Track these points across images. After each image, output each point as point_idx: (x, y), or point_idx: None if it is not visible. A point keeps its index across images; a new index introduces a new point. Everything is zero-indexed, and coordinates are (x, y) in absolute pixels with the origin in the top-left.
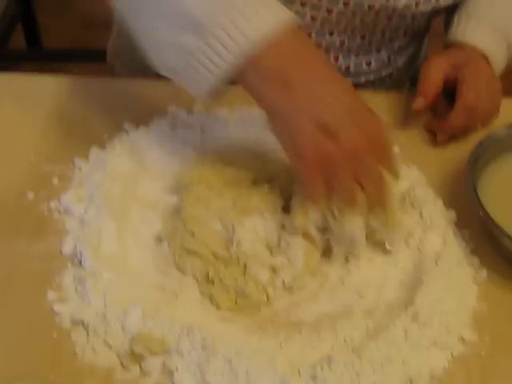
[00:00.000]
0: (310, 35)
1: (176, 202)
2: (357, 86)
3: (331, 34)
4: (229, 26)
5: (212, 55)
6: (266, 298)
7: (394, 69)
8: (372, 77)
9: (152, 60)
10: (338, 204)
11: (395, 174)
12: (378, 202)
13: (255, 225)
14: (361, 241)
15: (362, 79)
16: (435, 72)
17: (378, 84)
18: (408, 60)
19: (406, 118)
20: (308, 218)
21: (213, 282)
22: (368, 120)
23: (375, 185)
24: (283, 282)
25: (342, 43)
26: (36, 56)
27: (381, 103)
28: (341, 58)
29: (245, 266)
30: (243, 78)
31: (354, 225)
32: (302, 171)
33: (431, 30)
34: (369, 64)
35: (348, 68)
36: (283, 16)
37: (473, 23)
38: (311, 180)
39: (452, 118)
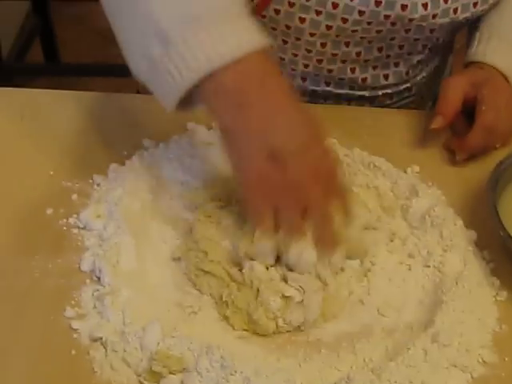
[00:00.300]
0: (325, 45)
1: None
2: (374, 98)
3: (347, 44)
4: (193, 43)
5: (173, 70)
6: (275, 327)
7: (413, 84)
8: (390, 90)
9: (130, 67)
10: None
11: (346, 212)
12: (325, 237)
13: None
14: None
15: (379, 92)
16: (454, 91)
17: (396, 97)
18: (429, 75)
19: (426, 136)
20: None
21: (227, 304)
22: (320, 153)
23: (323, 220)
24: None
25: (358, 54)
26: (53, 70)
27: (401, 121)
28: (358, 69)
29: (258, 290)
30: (202, 96)
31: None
32: (245, 197)
33: (455, 48)
34: (386, 77)
35: (365, 80)
36: (251, 39)
37: (494, 43)
38: (253, 208)
39: (471, 137)
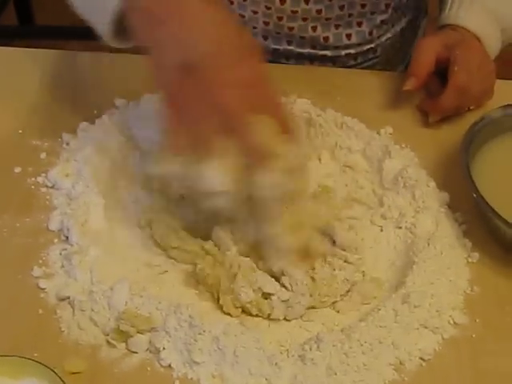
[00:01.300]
0: (284, 2)
1: None
2: (337, 58)
3: (307, 2)
4: None
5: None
6: (239, 313)
7: (377, 44)
8: (353, 50)
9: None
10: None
11: (282, 128)
12: (248, 148)
13: None
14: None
15: (342, 52)
16: (427, 52)
17: (360, 58)
18: (395, 37)
19: (400, 97)
20: None
21: (197, 277)
22: (239, 58)
23: (241, 130)
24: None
25: (318, 12)
26: (28, 33)
27: (374, 82)
28: (319, 28)
29: (234, 276)
30: (128, 21)
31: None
32: (163, 113)
33: (431, 16)
34: (349, 37)
35: (327, 39)
36: None
37: (466, 5)
38: (168, 120)
39: (443, 98)
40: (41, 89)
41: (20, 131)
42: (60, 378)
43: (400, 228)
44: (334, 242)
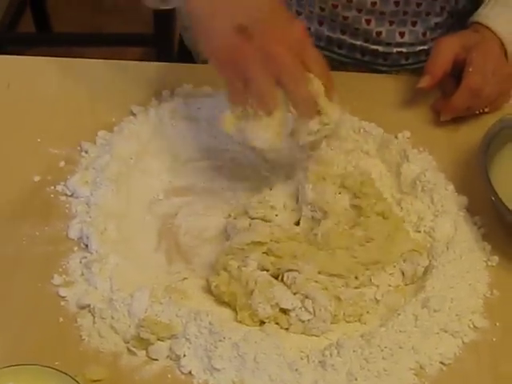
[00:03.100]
0: None
1: None
2: (388, 55)
3: None
4: None
5: None
6: (258, 325)
7: (430, 47)
8: (405, 49)
9: None
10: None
11: (326, 81)
12: (300, 100)
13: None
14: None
15: (394, 49)
16: (445, 52)
17: (411, 59)
18: None
19: (417, 102)
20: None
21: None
22: (288, 23)
23: (295, 83)
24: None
25: (373, 4)
26: (44, 40)
27: (390, 86)
28: (373, 21)
29: (251, 292)
30: None
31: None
32: (218, 72)
33: None
34: (402, 35)
35: (379, 34)
36: None
37: (498, 8)
38: (227, 80)
39: (455, 98)
40: (58, 97)
41: (38, 140)
42: None
43: (419, 232)
44: None
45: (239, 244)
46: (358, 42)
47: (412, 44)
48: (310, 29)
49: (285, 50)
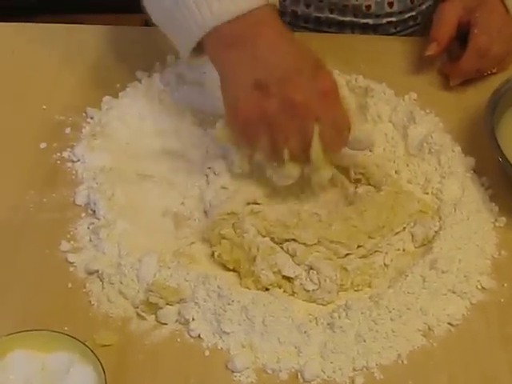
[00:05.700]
0: None
1: None
2: (378, 26)
3: None
4: (200, 2)
5: (183, 23)
6: (264, 289)
7: (418, 12)
8: (394, 18)
9: (151, 17)
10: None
11: (345, 124)
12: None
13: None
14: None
15: (384, 20)
16: (448, 16)
17: (400, 26)
18: (436, 4)
19: (423, 63)
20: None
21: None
22: (314, 75)
23: (333, 123)
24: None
25: None
26: (48, 8)
27: (397, 48)
28: None
29: (254, 258)
30: (206, 46)
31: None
32: (233, 130)
33: None
34: (391, 5)
35: (369, 7)
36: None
37: None
38: (246, 139)
39: (463, 61)
40: (63, 64)
41: (44, 107)
42: (91, 350)
43: (426, 194)
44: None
45: (220, 215)
46: (348, 18)
47: (401, 12)
48: (296, 12)
49: (307, 97)
